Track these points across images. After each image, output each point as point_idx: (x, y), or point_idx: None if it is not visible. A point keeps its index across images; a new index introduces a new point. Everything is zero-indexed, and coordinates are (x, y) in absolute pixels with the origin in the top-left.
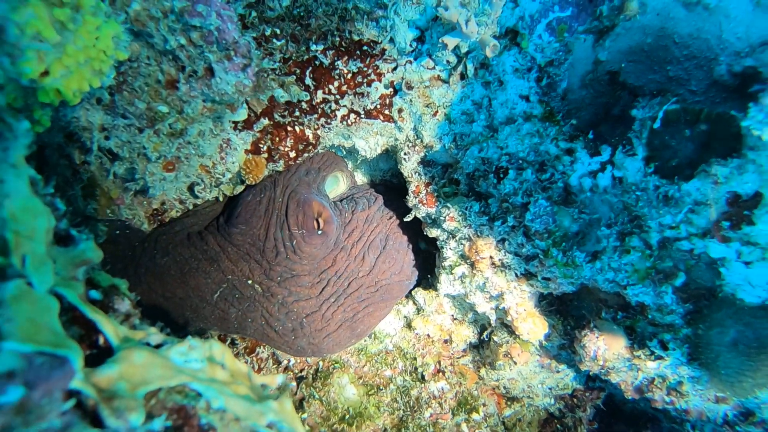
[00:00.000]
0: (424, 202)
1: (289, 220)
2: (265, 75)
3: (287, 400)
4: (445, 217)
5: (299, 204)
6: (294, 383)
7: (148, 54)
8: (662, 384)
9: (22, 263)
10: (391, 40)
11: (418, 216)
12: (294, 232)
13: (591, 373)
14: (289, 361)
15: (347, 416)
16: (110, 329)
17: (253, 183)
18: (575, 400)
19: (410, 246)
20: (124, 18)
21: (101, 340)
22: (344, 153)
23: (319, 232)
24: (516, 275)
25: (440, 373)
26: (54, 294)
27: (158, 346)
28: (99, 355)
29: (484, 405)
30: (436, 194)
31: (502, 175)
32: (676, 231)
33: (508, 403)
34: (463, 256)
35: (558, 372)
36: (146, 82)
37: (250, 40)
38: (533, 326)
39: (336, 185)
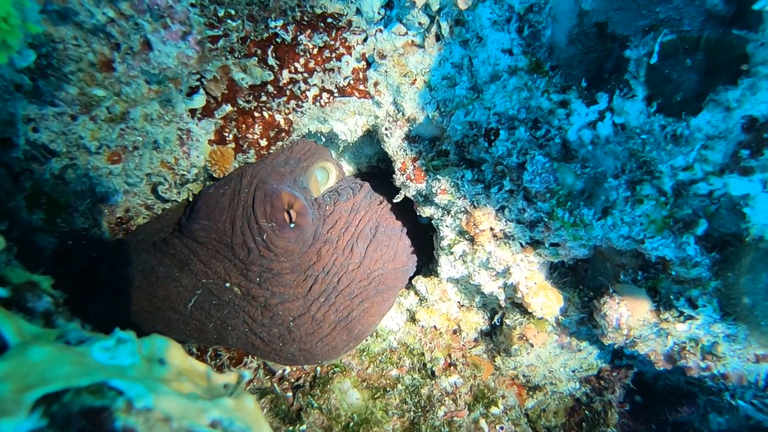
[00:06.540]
0: (412, 178)
1: (256, 212)
2: (217, 52)
3: (247, 397)
4: (436, 191)
5: (267, 195)
6: (290, 393)
7: (74, 34)
8: (695, 348)
9: None
10: (358, 11)
11: (408, 195)
12: (263, 225)
13: (616, 347)
14: (284, 370)
15: (351, 424)
16: (11, 327)
17: (221, 176)
18: (602, 381)
19: (404, 230)
20: None
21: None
22: (324, 141)
23: (292, 225)
24: (521, 245)
25: (452, 367)
26: None
27: (80, 343)
28: None
29: (503, 397)
30: (424, 168)
31: (493, 137)
32: (691, 172)
33: (530, 393)
34: (462, 232)
35: (580, 351)
36: (78, 66)
37: (188, 6)
38: (546, 300)
39: (326, 179)
